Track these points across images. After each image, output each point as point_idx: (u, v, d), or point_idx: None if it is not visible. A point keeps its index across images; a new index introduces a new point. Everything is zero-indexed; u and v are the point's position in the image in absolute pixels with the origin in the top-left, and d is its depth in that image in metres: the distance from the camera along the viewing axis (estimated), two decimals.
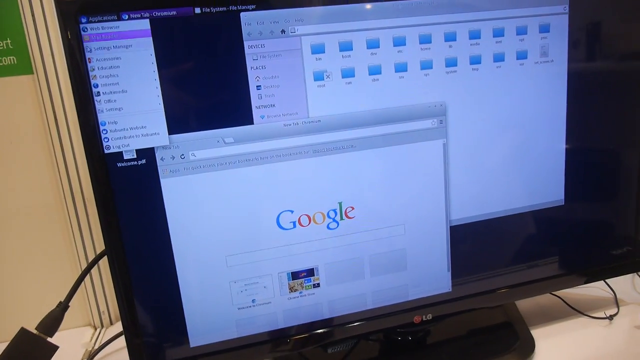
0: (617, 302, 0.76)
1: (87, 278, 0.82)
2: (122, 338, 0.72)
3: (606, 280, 0.79)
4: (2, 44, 0.75)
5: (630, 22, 0.66)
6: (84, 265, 0.81)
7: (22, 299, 0.82)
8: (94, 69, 0.51)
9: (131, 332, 0.57)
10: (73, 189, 0.79)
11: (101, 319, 0.86)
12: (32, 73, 0.76)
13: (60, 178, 0.79)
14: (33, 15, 0.73)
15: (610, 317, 0.72)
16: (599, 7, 0.64)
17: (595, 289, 0.80)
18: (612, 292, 0.79)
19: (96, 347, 0.77)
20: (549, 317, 0.74)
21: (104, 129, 0.52)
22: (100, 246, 0.81)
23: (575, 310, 0.75)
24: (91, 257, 0.81)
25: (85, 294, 0.83)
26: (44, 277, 0.83)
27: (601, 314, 0.73)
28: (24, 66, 0.76)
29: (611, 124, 0.68)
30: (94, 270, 0.82)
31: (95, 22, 0.50)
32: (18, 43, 0.75)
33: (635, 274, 0.83)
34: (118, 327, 0.84)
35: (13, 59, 0.76)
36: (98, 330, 0.85)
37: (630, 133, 0.69)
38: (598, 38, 0.65)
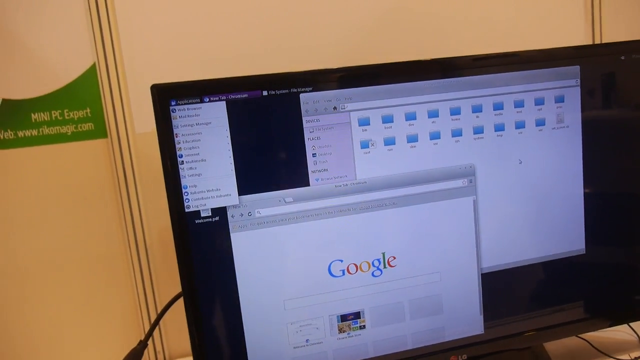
0: None
1: (147, 319, 0.91)
2: None
3: (630, 324, 0.85)
4: (83, 113, 0.86)
5: (631, 88, 0.75)
6: (144, 309, 0.89)
7: (85, 338, 0.91)
8: (179, 142, 0.61)
9: None
10: (138, 240, 0.89)
11: (156, 357, 0.94)
12: (107, 137, 0.87)
13: (127, 230, 0.88)
14: (110, 89, 0.85)
15: (635, 359, 0.78)
16: (606, 79, 0.73)
17: (620, 333, 0.85)
18: (636, 335, 0.84)
19: None
20: (576, 358, 0.80)
21: (186, 191, 0.62)
22: (159, 292, 0.90)
23: (601, 352, 0.80)
24: (151, 302, 0.90)
25: (142, 334, 0.91)
26: (106, 319, 0.91)
27: (626, 356, 0.79)
28: (100, 131, 0.87)
29: (623, 178, 0.76)
30: (152, 312, 0.91)
31: (182, 104, 0.60)
32: (96, 112, 0.86)
33: None
34: None
35: (91, 125, 0.87)
36: None
37: (636, 193, 0.77)
38: (606, 104, 0.74)
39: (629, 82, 0.74)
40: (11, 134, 0.84)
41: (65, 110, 0.86)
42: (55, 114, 0.86)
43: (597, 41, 1.04)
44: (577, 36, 1.02)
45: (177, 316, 0.88)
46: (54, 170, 0.86)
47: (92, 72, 0.85)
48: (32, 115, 0.85)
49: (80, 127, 0.87)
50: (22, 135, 0.85)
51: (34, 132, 0.85)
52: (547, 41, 1.00)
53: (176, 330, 0.93)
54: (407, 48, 0.94)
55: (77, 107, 0.86)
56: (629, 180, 0.76)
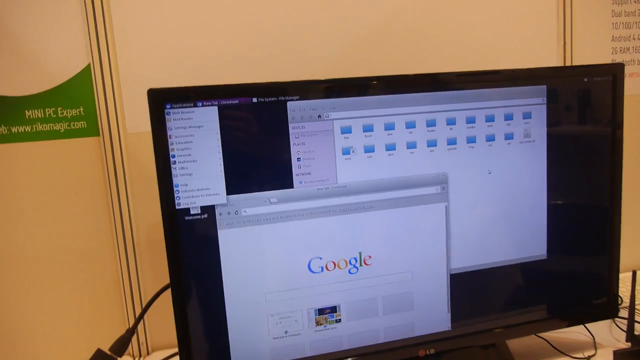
0: (595, 345, 0.88)
1: (132, 313, 0.94)
2: None
3: (586, 325, 0.91)
4: (76, 111, 0.90)
5: (593, 108, 0.81)
6: (129, 302, 0.93)
7: (71, 327, 0.94)
8: (172, 143, 0.65)
9: (184, 354, 0.69)
10: (126, 236, 0.92)
11: (140, 349, 0.97)
12: (99, 135, 0.90)
13: (116, 226, 0.92)
14: (104, 89, 0.89)
15: (588, 358, 0.84)
16: (570, 99, 0.80)
17: (577, 334, 0.92)
18: (591, 336, 0.90)
19: None
20: (535, 356, 0.86)
21: (177, 190, 0.66)
22: (144, 286, 0.94)
23: (558, 350, 0.87)
24: (137, 292, 0.93)
25: (128, 325, 0.95)
26: (96, 309, 0.94)
27: (580, 355, 0.85)
28: (92, 130, 0.90)
29: (583, 189, 0.82)
30: (137, 304, 0.94)
31: (177, 108, 0.64)
32: (89, 111, 0.90)
33: (612, 320, 0.95)
34: (153, 357, 0.95)
35: (84, 123, 0.90)
36: (137, 359, 0.96)
37: (600, 192, 0.83)
38: (569, 121, 0.80)
39: (590, 102, 0.81)
40: (5, 129, 0.87)
41: (58, 108, 0.89)
42: (49, 111, 0.89)
43: (568, 63, 1.11)
44: (549, 58, 1.10)
45: (160, 310, 0.92)
46: (46, 166, 0.89)
47: (86, 72, 0.88)
48: (26, 112, 0.88)
49: (73, 125, 0.90)
50: (16, 131, 0.88)
51: (28, 129, 0.88)
52: (522, 62, 1.07)
53: (159, 324, 0.97)
54: (391, 63, 0.99)
55: (70, 105, 0.89)
56: (589, 193, 0.83)
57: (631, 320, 0.84)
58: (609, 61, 1.15)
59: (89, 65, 0.88)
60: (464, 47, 1.03)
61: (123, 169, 0.91)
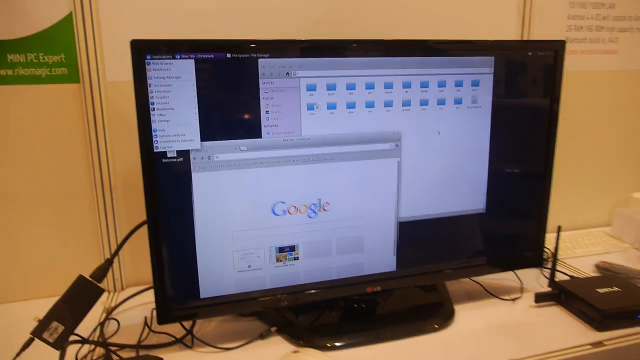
0: (522, 289, 1.00)
1: (107, 251, 1.01)
2: (132, 299, 0.93)
3: (516, 272, 1.03)
4: (57, 58, 0.94)
5: (535, 80, 0.90)
6: (106, 238, 1.00)
7: (52, 259, 1.01)
8: (152, 92, 0.71)
9: (158, 286, 0.77)
10: (103, 179, 0.99)
11: (115, 285, 1.05)
12: (79, 82, 0.95)
13: (94, 170, 0.98)
14: (85, 38, 0.93)
15: (514, 299, 0.96)
16: (514, 70, 0.89)
17: (508, 280, 1.04)
18: (519, 282, 1.03)
19: (112, 305, 0.97)
20: (470, 297, 0.98)
21: (155, 134, 0.72)
22: (120, 225, 1.01)
23: (489, 293, 0.99)
24: (113, 232, 1.01)
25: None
26: (74, 246, 1.01)
27: (507, 297, 0.97)
28: (73, 76, 0.95)
29: (521, 153, 0.93)
30: (113, 242, 1.01)
31: (156, 59, 0.71)
32: (70, 58, 0.94)
33: (540, 270, 1.07)
34: (128, 292, 1.03)
35: (65, 70, 0.95)
36: (112, 294, 1.04)
37: (536, 158, 0.93)
38: (513, 91, 0.89)
39: (532, 74, 0.90)
40: None
41: (40, 54, 0.93)
42: (31, 56, 0.93)
43: (526, 37, 1.20)
44: (509, 32, 1.18)
45: (134, 250, 1.00)
46: (27, 110, 0.94)
47: (68, 20, 0.92)
48: (8, 55, 0.92)
49: (54, 71, 0.95)
50: None
51: (9, 72, 0.92)
52: (484, 34, 1.15)
53: (133, 263, 1.05)
54: (357, 27, 1.06)
55: (52, 52, 0.94)
56: (526, 157, 0.93)
57: (553, 269, 0.97)
58: (563, 39, 1.24)
59: (70, 13, 0.92)
60: (432, 16, 1.10)
61: (102, 116, 0.96)
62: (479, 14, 1.15)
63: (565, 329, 0.86)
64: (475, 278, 1.03)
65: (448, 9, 1.12)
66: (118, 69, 0.95)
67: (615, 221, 1.31)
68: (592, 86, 1.30)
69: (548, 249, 1.07)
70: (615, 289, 0.92)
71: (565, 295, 0.93)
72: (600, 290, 0.91)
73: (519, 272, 1.07)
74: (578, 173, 1.35)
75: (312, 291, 0.85)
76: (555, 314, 0.92)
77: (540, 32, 1.21)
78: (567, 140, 1.30)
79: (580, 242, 1.25)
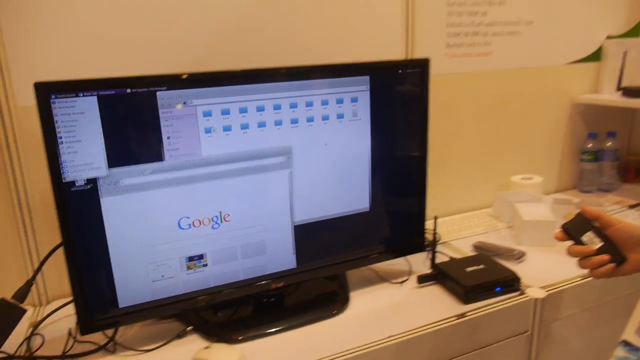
0: (410, 272, 1.16)
1: (31, 268, 1.07)
2: (58, 312, 0.99)
3: (407, 257, 1.20)
4: None
5: (406, 93, 1.05)
6: (28, 258, 1.06)
7: None
8: (59, 127, 0.79)
9: (78, 300, 0.85)
10: (21, 201, 1.04)
11: (40, 299, 1.11)
12: None
13: (12, 193, 1.02)
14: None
15: (402, 282, 1.12)
16: (388, 86, 1.02)
17: (401, 264, 1.20)
18: (409, 266, 1.19)
19: (38, 319, 1.03)
20: (367, 283, 1.12)
21: (64, 166, 0.80)
22: (41, 244, 1.07)
23: (382, 278, 1.14)
24: (34, 251, 1.06)
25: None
26: None
27: (396, 280, 1.13)
28: None
29: (398, 157, 1.07)
30: (35, 260, 1.07)
31: (61, 98, 0.78)
32: None
33: (428, 252, 1.24)
34: (52, 305, 1.09)
35: None
36: (37, 308, 1.10)
37: (411, 159, 1.08)
38: (387, 104, 1.03)
39: (403, 88, 1.04)
40: None
41: None
42: None
43: (411, 46, 1.35)
44: (397, 52, 1.33)
45: (56, 264, 1.06)
46: None
47: None
48: None
49: None
50: None
51: None
52: (374, 52, 1.28)
53: (56, 276, 1.11)
54: (256, 53, 1.16)
55: None
56: (402, 160, 1.08)
57: (433, 253, 1.13)
58: (444, 44, 1.41)
59: None
60: (326, 41, 1.23)
61: (15, 139, 1.01)
62: (367, 34, 1.28)
63: (439, 304, 1.03)
64: (371, 266, 1.18)
65: (338, 33, 1.24)
66: (29, 93, 1.00)
67: (494, 203, 1.51)
68: (471, 84, 1.48)
69: (437, 234, 1.24)
70: (482, 266, 1.10)
71: (441, 275, 1.10)
72: (469, 269, 1.09)
73: (411, 257, 1.22)
74: (465, 162, 1.53)
75: (223, 292, 0.96)
76: (434, 292, 1.08)
77: (422, 41, 1.36)
78: (454, 133, 1.48)
79: (466, 224, 1.44)
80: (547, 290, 1.07)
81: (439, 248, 1.28)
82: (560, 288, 1.08)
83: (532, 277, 1.11)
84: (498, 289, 1.05)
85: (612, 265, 0.79)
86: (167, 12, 1.07)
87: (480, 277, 1.06)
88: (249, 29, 1.15)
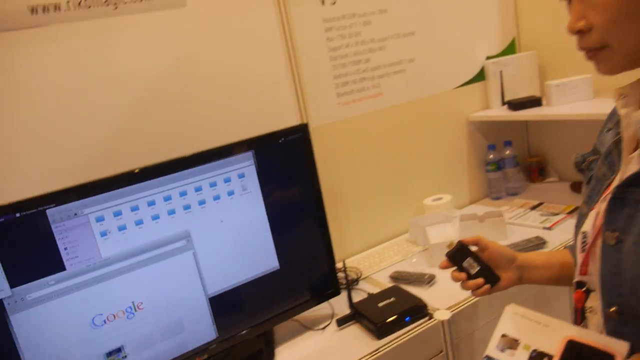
0: (332, 316, 1.24)
1: None
2: None
3: (326, 302, 1.28)
4: None
5: (291, 158, 1.14)
6: None
7: None
8: None
9: None
10: None
11: None
12: None
13: None
14: None
15: (324, 328, 1.20)
16: (272, 157, 1.12)
17: (324, 309, 1.28)
18: (331, 310, 1.27)
19: None
20: (292, 335, 1.20)
21: None
22: None
23: (306, 327, 1.22)
24: None
25: None
26: None
27: (319, 327, 1.21)
28: None
29: (296, 215, 1.16)
30: None
31: None
32: None
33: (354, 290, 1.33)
34: None
35: None
36: None
37: (309, 215, 1.18)
38: (273, 173, 1.13)
39: (288, 154, 1.14)
40: None
41: None
42: None
43: (305, 116, 1.45)
44: (292, 115, 1.43)
45: None
46: None
47: None
48: None
49: None
50: None
51: None
52: (270, 125, 1.37)
53: None
54: (144, 152, 1.21)
55: None
56: (301, 217, 1.17)
57: (349, 295, 1.22)
58: (335, 95, 1.52)
59: None
60: (220, 124, 1.31)
61: None
62: (261, 108, 1.38)
63: (356, 344, 1.11)
64: (295, 317, 1.25)
65: (231, 114, 1.33)
66: None
67: (410, 229, 1.61)
68: (369, 124, 1.59)
69: (358, 270, 1.32)
70: (392, 299, 1.19)
71: (357, 314, 1.18)
72: (381, 304, 1.18)
73: (335, 299, 1.30)
74: (377, 195, 1.64)
75: None
76: (353, 332, 1.17)
77: (314, 98, 1.47)
78: (360, 172, 1.58)
79: (386, 255, 1.53)
80: (452, 311, 1.17)
81: (360, 284, 1.38)
82: (464, 306, 1.18)
83: (440, 300, 1.21)
84: (407, 318, 1.14)
85: (487, 286, 0.89)
86: (49, 132, 1.12)
87: (391, 311, 1.15)
88: (135, 129, 1.22)
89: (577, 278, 0.74)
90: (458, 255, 0.91)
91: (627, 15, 0.59)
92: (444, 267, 0.94)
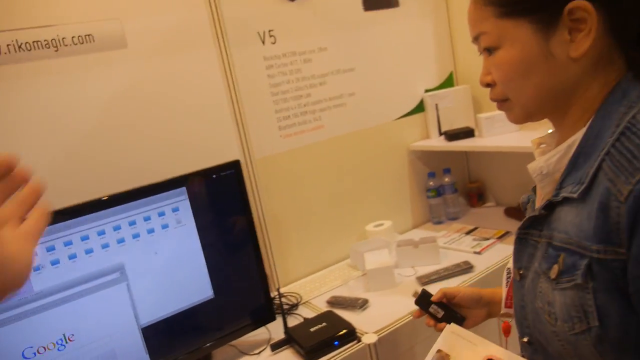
0: (269, 340, 1.30)
1: None
2: None
3: (263, 327, 1.33)
4: None
5: (225, 192, 1.21)
6: None
7: None
8: None
9: None
10: None
11: None
12: None
13: None
14: None
15: (259, 353, 1.26)
16: (205, 191, 1.18)
17: (262, 334, 1.33)
18: (269, 333, 1.32)
19: None
20: (230, 359, 1.25)
21: None
22: None
23: (242, 352, 1.27)
24: None
25: None
26: None
27: (254, 352, 1.26)
28: None
29: (230, 246, 1.23)
30: None
31: None
32: None
33: (291, 316, 1.39)
34: None
35: None
36: None
37: (242, 245, 1.24)
38: (207, 206, 1.19)
39: (221, 188, 1.21)
40: None
41: None
42: None
43: (247, 149, 1.51)
44: (234, 149, 1.50)
45: None
46: None
47: None
48: None
49: None
50: None
51: None
52: (213, 159, 1.42)
53: None
54: (86, 186, 1.27)
55: None
56: (234, 248, 1.23)
57: (284, 320, 1.28)
58: (277, 128, 1.60)
59: None
60: (161, 157, 1.37)
61: None
62: (204, 144, 1.44)
63: None
64: (232, 343, 1.31)
65: (174, 149, 1.39)
66: None
67: (350, 255, 1.69)
68: (311, 155, 1.67)
69: (298, 295, 1.38)
70: (324, 324, 1.26)
71: (291, 339, 1.24)
72: (313, 329, 1.24)
73: (272, 324, 1.36)
74: (320, 223, 1.71)
75: None
76: (286, 357, 1.23)
77: (256, 131, 1.54)
78: (308, 198, 1.66)
79: (327, 279, 1.60)
80: (379, 334, 1.23)
81: (300, 309, 1.44)
82: (393, 328, 1.26)
83: (369, 323, 1.28)
84: (336, 342, 1.21)
85: None
86: None
87: (320, 335, 1.21)
88: (74, 168, 1.27)
89: (502, 310, 0.81)
90: (423, 302, 0.98)
91: (521, 74, 0.65)
92: (417, 317, 1.00)
